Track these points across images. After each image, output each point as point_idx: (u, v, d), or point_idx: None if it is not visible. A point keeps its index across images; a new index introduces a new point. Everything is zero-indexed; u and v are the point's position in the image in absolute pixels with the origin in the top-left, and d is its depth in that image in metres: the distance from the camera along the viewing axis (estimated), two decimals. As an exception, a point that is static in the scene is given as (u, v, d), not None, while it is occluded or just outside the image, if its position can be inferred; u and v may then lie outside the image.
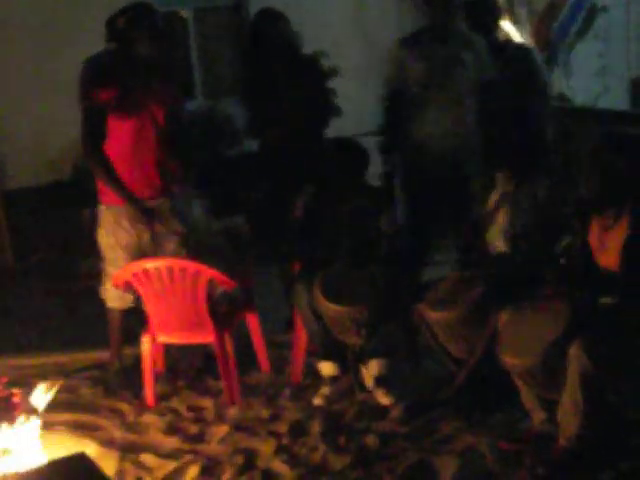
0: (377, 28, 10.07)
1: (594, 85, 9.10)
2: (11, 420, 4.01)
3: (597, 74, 9.12)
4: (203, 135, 9.29)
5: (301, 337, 5.47)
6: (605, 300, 4.24)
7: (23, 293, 7.76)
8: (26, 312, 7.25)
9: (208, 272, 5.13)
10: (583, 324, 4.13)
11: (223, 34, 10.03)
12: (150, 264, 5.20)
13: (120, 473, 4.59)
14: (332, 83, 8.76)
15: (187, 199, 5.79)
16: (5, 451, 3.99)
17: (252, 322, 5.71)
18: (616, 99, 8.95)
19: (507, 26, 8.93)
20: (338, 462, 4.55)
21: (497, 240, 5.11)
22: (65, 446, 4.72)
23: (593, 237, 4.42)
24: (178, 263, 5.19)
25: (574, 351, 4.04)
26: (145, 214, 5.34)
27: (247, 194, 7.73)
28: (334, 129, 7.42)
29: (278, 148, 6.32)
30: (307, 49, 7.07)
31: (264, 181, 6.59)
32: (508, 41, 6.54)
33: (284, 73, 6.27)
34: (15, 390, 4.11)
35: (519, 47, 6.60)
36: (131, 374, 5.63)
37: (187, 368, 5.84)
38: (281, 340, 6.03)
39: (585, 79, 9.13)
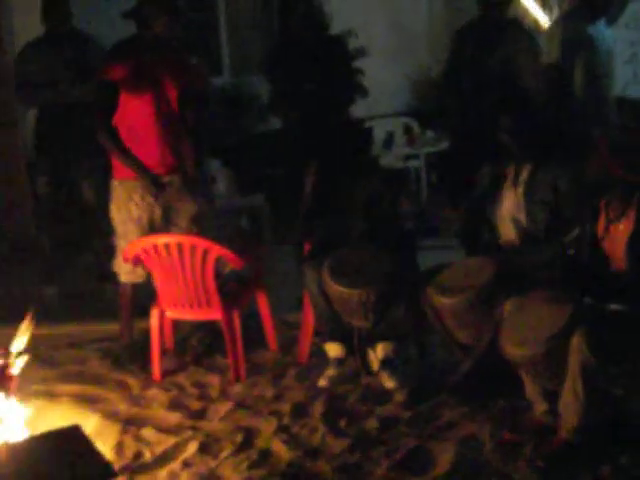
0: (406, 9, 10.01)
1: (624, 73, 8.97)
2: (5, 390, 4.01)
3: (627, 62, 9.00)
4: (229, 112, 9.30)
5: (309, 318, 5.46)
6: (614, 307, 4.19)
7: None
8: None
9: (217, 250, 5.13)
10: (586, 316, 4.08)
11: (252, 11, 10.01)
12: (160, 240, 5.21)
13: (119, 446, 4.60)
14: (359, 63, 8.77)
15: (207, 176, 5.80)
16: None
17: (261, 301, 5.71)
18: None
19: (535, 10, 8.82)
20: (337, 445, 4.53)
21: (503, 226, 5.07)
22: (67, 417, 4.73)
23: (600, 228, 4.37)
24: (187, 240, 5.19)
25: (576, 342, 4.00)
26: (155, 185, 5.35)
27: (268, 172, 7.74)
28: (361, 109, 7.41)
29: (299, 127, 6.32)
30: (335, 29, 7.05)
31: (284, 159, 6.60)
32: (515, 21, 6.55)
33: (310, 51, 6.25)
34: (10, 360, 4.10)
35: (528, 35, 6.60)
36: (140, 348, 5.65)
37: (196, 344, 5.85)
38: (292, 320, 6.02)
39: (615, 67, 9.00)
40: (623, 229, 4.25)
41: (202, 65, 6.45)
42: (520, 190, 5.05)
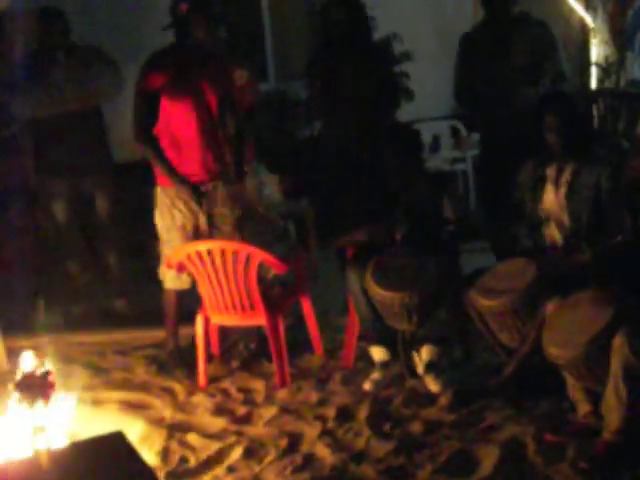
0: (451, 13, 9.98)
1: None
2: (46, 398, 4.05)
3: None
4: (275, 118, 9.34)
5: (354, 321, 5.47)
6: None
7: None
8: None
9: (260, 255, 5.16)
10: (628, 317, 4.05)
11: (297, 17, 10.04)
12: (202, 246, 5.25)
13: (164, 452, 4.65)
14: (405, 67, 8.77)
15: (258, 181, 5.83)
16: (39, 428, 4.03)
17: (305, 305, 5.73)
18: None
19: (580, 10, 8.78)
20: (381, 448, 4.54)
21: (546, 227, 5.04)
22: (113, 424, 4.76)
23: None
24: (230, 246, 5.22)
25: (618, 343, 3.98)
26: (195, 195, 5.39)
27: (313, 177, 7.76)
28: (407, 113, 7.40)
29: (339, 131, 6.34)
30: (381, 33, 7.06)
31: (327, 164, 6.61)
32: (525, 13, 6.45)
33: (351, 57, 6.26)
34: (50, 369, 4.15)
35: (539, 23, 6.49)
36: (185, 354, 5.69)
37: (242, 350, 5.88)
38: (338, 324, 6.03)
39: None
40: None
41: (251, 74, 6.45)
42: (563, 190, 5.01)
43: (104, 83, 6.58)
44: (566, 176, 5.01)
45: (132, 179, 6.68)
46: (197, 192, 5.40)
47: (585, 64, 9.01)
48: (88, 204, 6.92)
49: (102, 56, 6.65)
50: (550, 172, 5.05)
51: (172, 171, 5.38)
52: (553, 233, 5.06)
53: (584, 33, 8.98)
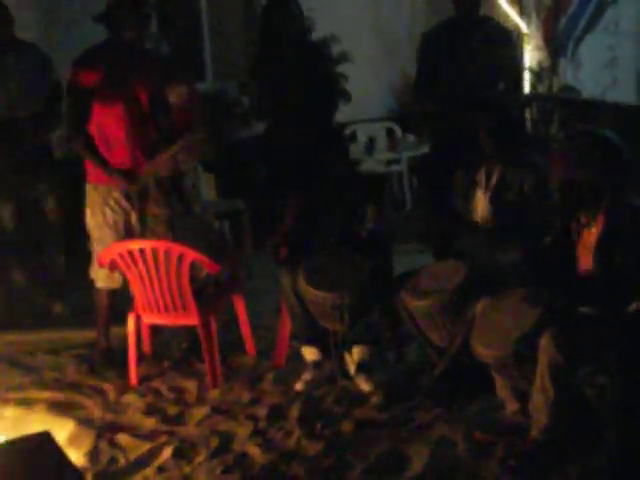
0: (388, 15, 10.03)
1: (603, 77, 9.04)
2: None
3: (606, 66, 9.06)
4: (212, 117, 9.30)
5: (286, 322, 5.47)
6: (583, 310, 4.20)
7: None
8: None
9: (192, 255, 5.13)
10: (555, 317, 4.10)
11: (235, 16, 10.01)
12: (135, 245, 5.21)
13: (94, 452, 4.60)
14: (342, 68, 8.77)
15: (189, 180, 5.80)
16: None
17: (239, 305, 5.71)
18: (625, 92, 8.88)
19: (514, 16, 8.88)
20: (311, 448, 4.55)
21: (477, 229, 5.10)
22: (42, 424, 4.72)
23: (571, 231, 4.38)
24: (162, 245, 5.19)
25: (544, 342, 4.02)
26: (128, 178, 5.36)
27: (249, 177, 7.75)
28: (343, 114, 7.40)
29: (280, 132, 6.34)
30: (319, 34, 7.04)
31: (264, 165, 6.61)
32: (487, 18, 6.53)
33: (291, 57, 6.26)
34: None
35: (499, 26, 6.58)
36: (117, 354, 5.64)
37: (174, 349, 5.85)
38: (271, 324, 6.01)
39: (594, 71, 9.08)
40: (593, 233, 4.25)
41: (191, 90, 6.35)
42: (489, 194, 5.08)
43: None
44: (494, 180, 5.09)
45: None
46: (131, 177, 5.36)
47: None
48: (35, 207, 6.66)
49: (38, 54, 6.51)
50: (479, 177, 5.14)
51: (106, 164, 5.35)
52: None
53: (518, 38, 9.07)
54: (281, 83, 6.26)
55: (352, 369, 5.22)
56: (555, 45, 8.98)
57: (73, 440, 4.70)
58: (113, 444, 4.70)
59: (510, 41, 6.54)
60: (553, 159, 4.27)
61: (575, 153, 4.15)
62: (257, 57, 6.49)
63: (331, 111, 6.52)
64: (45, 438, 3.73)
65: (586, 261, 4.24)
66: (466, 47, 6.27)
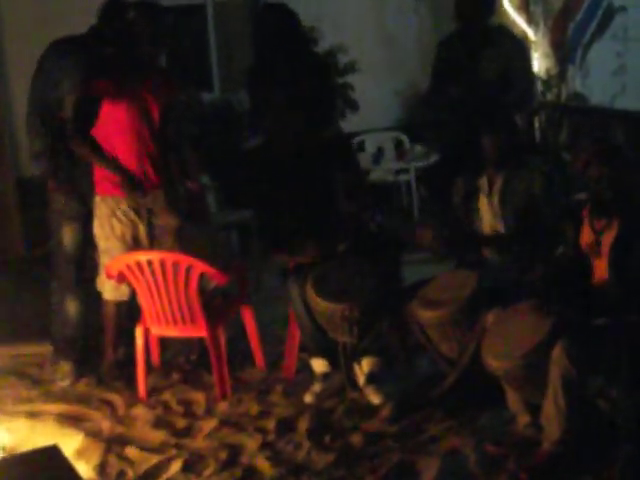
0: (396, 25, 10.04)
1: (612, 85, 9.01)
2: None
3: (615, 74, 9.02)
4: (219, 128, 9.30)
5: (295, 333, 5.44)
6: (596, 319, 4.17)
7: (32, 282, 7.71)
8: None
9: (200, 266, 5.11)
10: (567, 328, 4.07)
11: (242, 28, 10.01)
12: (143, 257, 5.19)
13: (102, 466, 4.58)
14: (349, 78, 8.77)
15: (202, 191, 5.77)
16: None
17: (247, 317, 5.68)
18: (634, 99, 8.84)
19: (522, 24, 8.86)
20: (321, 461, 4.52)
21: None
22: (50, 437, 4.71)
23: (585, 239, 4.35)
24: (171, 256, 5.17)
25: (556, 354, 4.00)
26: (135, 187, 5.33)
27: (256, 187, 7.73)
28: (352, 124, 7.40)
29: (278, 144, 6.30)
30: (325, 44, 7.04)
31: (269, 175, 6.57)
32: (499, 27, 6.49)
33: (286, 67, 6.22)
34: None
35: (512, 37, 6.55)
36: (125, 366, 5.62)
37: (183, 362, 5.83)
38: (279, 335, 5.98)
39: (603, 78, 9.05)
40: (607, 241, 4.23)
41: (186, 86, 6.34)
42: (496, 199, 5.07)
43: None
44: (498, 185, 5.07)
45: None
46: (140, 186, 5.34)
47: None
48: None
49: None
50: (482, 184, 5.12)
51: (117, 165, 5.31)
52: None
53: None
54: (274, 95, 6.22)
55: (361, 381, 5.18)
56: (563, 52, 8.95)
57: (81, 453, 4.68)
58: (122, 457, 4.68)
59: (523, 52, 6.49)
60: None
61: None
62: (250, 70, 6.45)
63: (330, 122, 6.47)
64: (53, 451, 3.70)
65: (601, 268, 4.21)
66: (477, 57, 6.24)
